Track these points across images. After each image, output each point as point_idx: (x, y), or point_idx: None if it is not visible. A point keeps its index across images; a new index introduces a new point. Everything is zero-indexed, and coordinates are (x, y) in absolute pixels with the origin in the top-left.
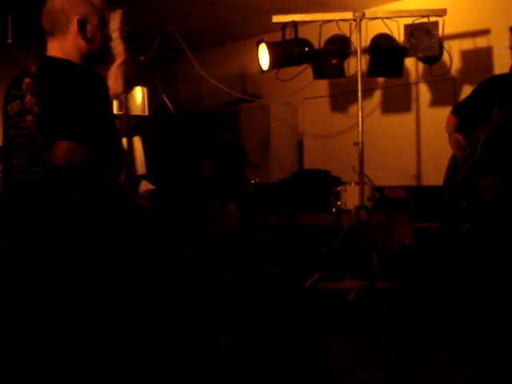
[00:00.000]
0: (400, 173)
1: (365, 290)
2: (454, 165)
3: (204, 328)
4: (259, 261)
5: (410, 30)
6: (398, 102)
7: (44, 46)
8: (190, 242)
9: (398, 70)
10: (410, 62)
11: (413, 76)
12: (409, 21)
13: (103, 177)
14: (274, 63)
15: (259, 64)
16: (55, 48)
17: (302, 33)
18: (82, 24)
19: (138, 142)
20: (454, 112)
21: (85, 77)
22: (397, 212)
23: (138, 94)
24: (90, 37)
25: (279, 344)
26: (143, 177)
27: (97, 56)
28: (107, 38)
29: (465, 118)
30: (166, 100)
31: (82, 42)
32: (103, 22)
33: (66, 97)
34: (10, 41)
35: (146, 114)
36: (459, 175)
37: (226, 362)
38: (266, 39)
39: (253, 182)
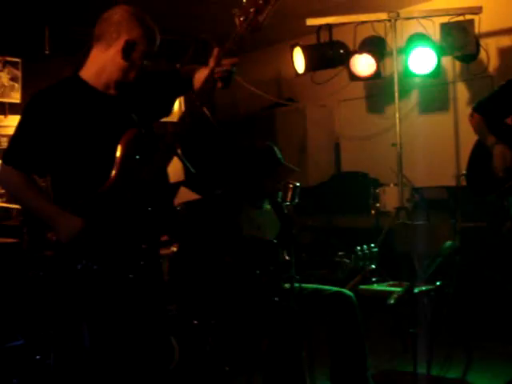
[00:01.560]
0: (439, 173)
1: (406, 292)
2: (485, 167)
3: (245, 331)
4: (299, 264)
5: (446, 28)
6: (435, 101)
7: (82, 55)
8: (226, 246)
9: (435, 70)
10: (446, 61)
11: (450, 75)
12: (444, 19)
13: (22, 195)
14: (309, 66)
15: (294, 68)
16: (94, 55)
17: (337, 35)
18: (128, 45)
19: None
20: (479, 111)
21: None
22: (437, 213)
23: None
24: (130, 60)
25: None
26: (182, 183)
27: (127, 79)
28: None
29: (493, 116)
30: (206, 111)
31: (120, 61)
32: (149, 55)
33: (20, 121)
34: (47, 52)
35: None
36: (502, 187)
37: (268, 365)
38: (300, 42)
39: (291, 185)
